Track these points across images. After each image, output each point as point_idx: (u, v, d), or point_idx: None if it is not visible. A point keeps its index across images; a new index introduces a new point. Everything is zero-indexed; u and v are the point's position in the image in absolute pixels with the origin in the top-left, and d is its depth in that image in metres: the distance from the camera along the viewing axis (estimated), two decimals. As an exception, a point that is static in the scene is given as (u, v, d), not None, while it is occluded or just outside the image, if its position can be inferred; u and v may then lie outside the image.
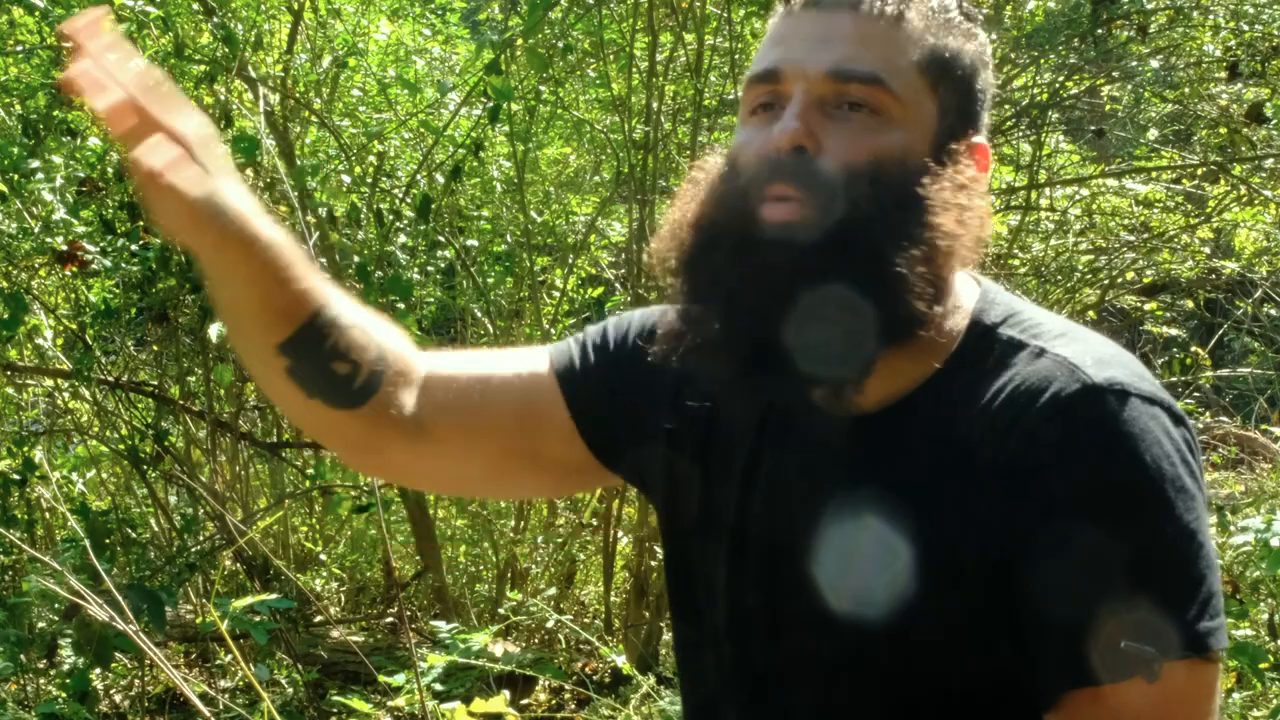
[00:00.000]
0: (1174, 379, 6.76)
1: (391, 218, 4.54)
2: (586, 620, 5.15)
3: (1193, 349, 7.01)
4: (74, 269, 3.99)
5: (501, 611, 4.71)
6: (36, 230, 3.89)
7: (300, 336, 1.31)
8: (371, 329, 1.37)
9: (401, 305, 3.91)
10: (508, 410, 1.43)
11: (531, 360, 1.46)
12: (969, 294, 1.30)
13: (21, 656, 3.78)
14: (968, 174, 1.26)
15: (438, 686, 3.26)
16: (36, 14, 4.32)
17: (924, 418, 1.24)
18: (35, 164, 3.92)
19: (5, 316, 3.92)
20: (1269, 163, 5.50)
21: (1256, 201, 5.72)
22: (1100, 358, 1.21)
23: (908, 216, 1.20)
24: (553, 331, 5.52)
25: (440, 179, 4.82)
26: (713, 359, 1.25)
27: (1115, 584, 1.15)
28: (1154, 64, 5.40)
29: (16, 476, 4.37)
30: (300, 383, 1.33)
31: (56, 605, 3.93)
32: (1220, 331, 8.00)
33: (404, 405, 1.38)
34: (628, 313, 1.48)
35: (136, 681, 4.56)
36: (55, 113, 4.43)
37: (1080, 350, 1.21)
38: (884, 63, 1.22)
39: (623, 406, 1.42)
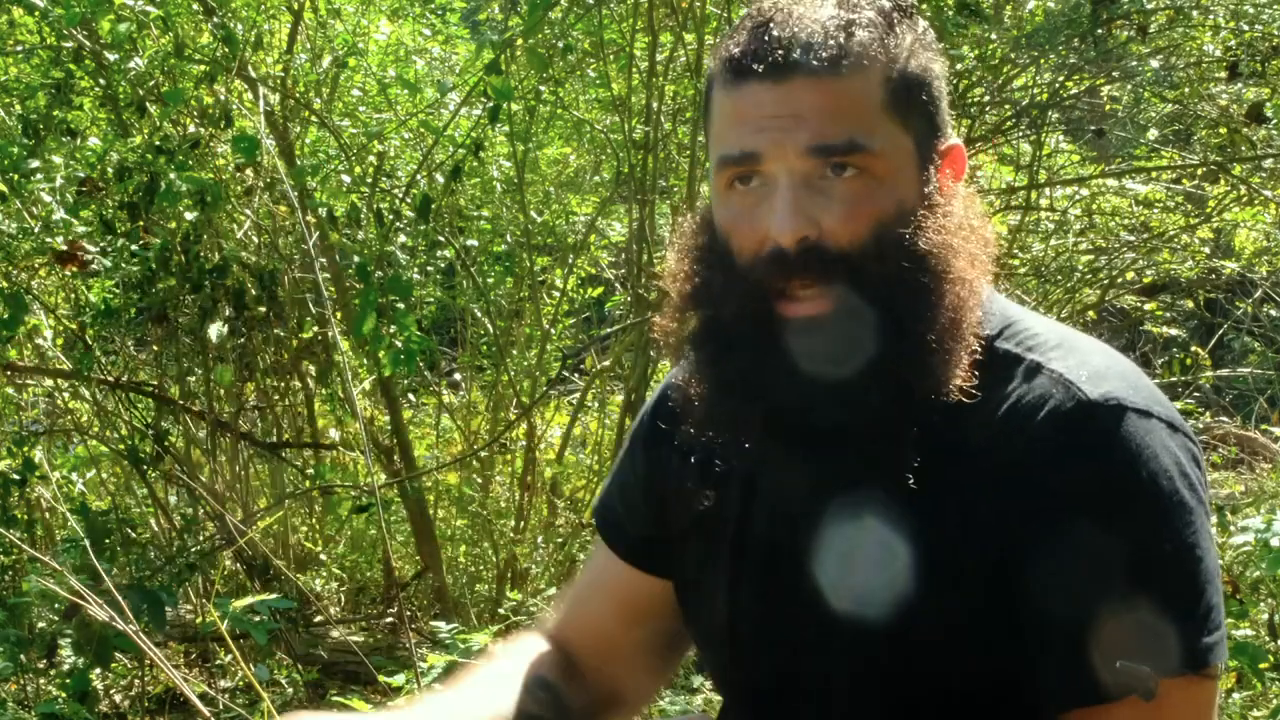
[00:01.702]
0: (1174, 379, 6.76)
1: (391, 218, 4.54)
2: (586, 620, 5.14)
3: (1193, 349, 7.01)
4: (74, 269, 3.98)
5: (501, 611, 4.71)
6: (36, 230, 3.89)
7: None
8: (563, 693, 1.42)
9: (401, 305, 3.91)
10: (629, 631, 1.48)
11: (604, 564, 1.51)
12: None
13: (21, 656, 3.78)
14: (958, 194, 1.25)
15: (437, 686, 3.26)
16: (36, 14, 4.32)
17: (925, 428, 1.24)
18: (35, 164, 3.92)
19: (5, 316, 3.92)
20: (1269, 163, 5.50)
21: (1256, 201, 5.71)
22: (1095, 371, 1.20)
23: (924, 279, 1.20)
24: (552, 331, 5.52)
25: (440, 179, 4.82)
26: (756, 445, 1.27)
27: (1111, 602, 1.15)
28: (1154, 64, 5.39)
29: (16, 476, 4.37)
30: None
31: (56, 605, 3.93)
32: (1220, 331, 8.00)
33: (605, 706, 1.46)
34: (632, 429, 1.51)
35: (136, 681, 4.56)
36: (55, 113, 4.43)
37: (1076, 364, 1.21)
38: (856, 122, 1.20)
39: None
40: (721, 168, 1.24)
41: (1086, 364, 1.21)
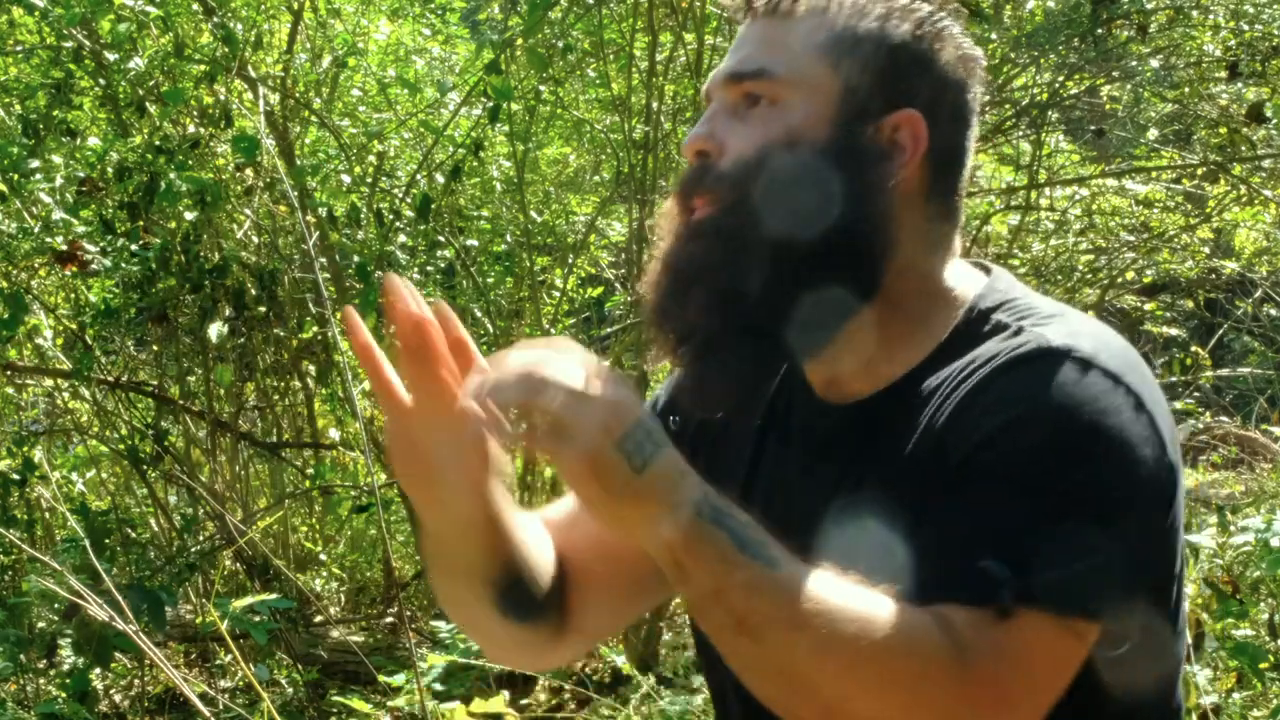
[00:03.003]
0: (1174, 379, 6.77)
1: (391, 218, 4.54)
2: (586, 620, 5.15)
3: (1193, 349, 7.01)
4: (74, 269, 3.98)
5: (501, 611, 4.70)
6: (36, 230, 3.89)
7: (511, 578, 1.33)
8: (543, 539, 1.40)
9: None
10: (603, 572, 1.45)
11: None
12: (972, 283, 1.30)
13: (21, 656, 3.78)
14: (883, 151, 1.26)
15: (438, 686, 3.27)
16: (36, 14, 4.32)
17: (908, 403, 1.24)
18: (35, 164, 3.92)
19: (5, 316, 3.92)
20: (1269, 163, 5.50)
21: (1256, 201, 5.71)
22: (1075, 332, 1.19)
23: (795, 197, 1.23)
24: (552, 331, 5.52)
25: (440, 179, 4.82)
26: (668, 352, 1.29)
27: (1013, 517, 1.12)
28: (1154, 64, 5.40)
29: (16, 476, 4.37)
30: (503, 611, 1.35)
31: (56, 605, 3.93)
32: (1220, 331, 8.00)
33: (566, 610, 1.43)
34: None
35: (136, 681, 4.56)
36: (55, 113, 4.43)
37: (1059, 328, 1.20)
38: (776, 54, 1.27)
39: None
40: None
41: (1071, 329, 1.20)
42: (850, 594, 1.11)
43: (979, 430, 1.16)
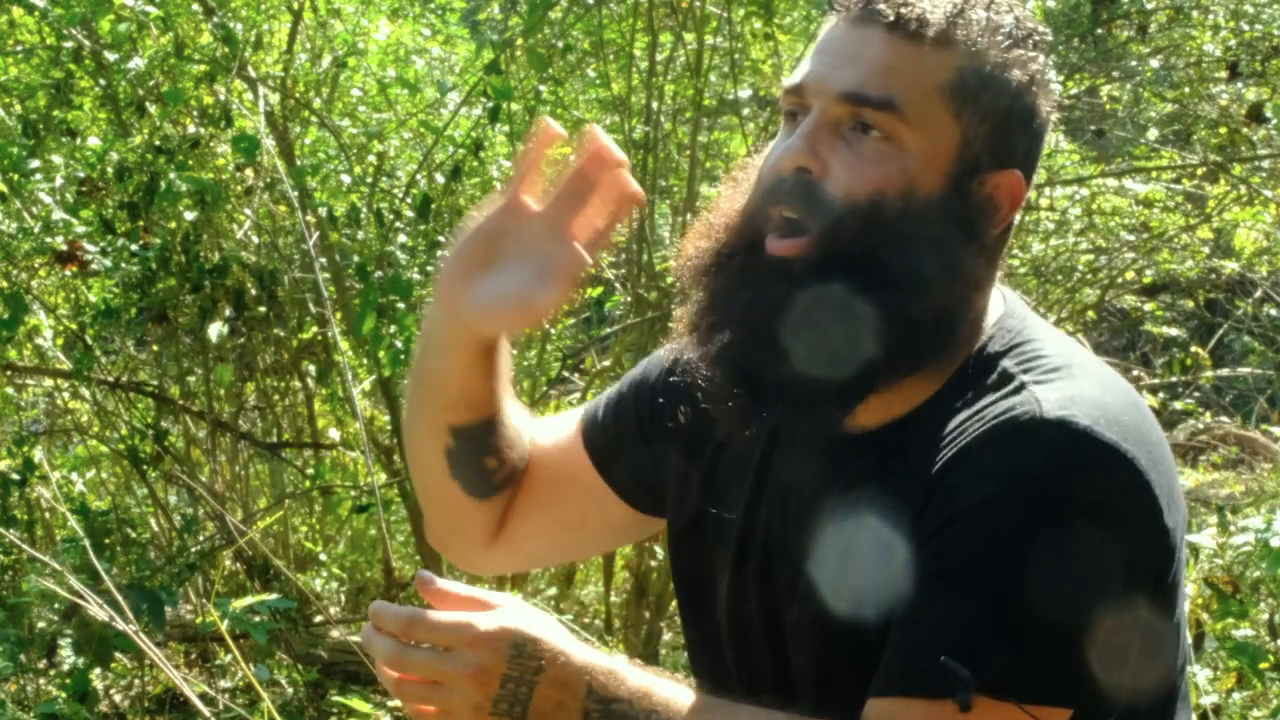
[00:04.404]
0: (1174, 379, 6.77)
1: (391, 218, 4.54)
2: (586, 620, 5.15)
3: (1193, 349, 7.01)
4: (74, 269, 3.98)
5: (501, 611, 4.71)
6: (36, 230, 3.89)
7: (473, 428, 1.36)
8: (522, 429, 1.43)
9: (401, 305, 3.90)
10: (552, 489, 1.47)
11: (567, 429, 1.49)
12: (990, 314, 1.27)
13: (21, 656, 3.78)
14: (982, 209, 1.22)
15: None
16: (36, 14, 4.32)
17: (913, 440, 1.23)
18: (35, 164, 3.92)
19: (5, 316, 3.92)
20: (1269, 163, 5.50)
21: (1256, 201, 5.71)
22: (1075, 397, 1.16)
23: (898, 260, 1.18)
24: (552, 331, 5.52)
25: (440, 179, 4.82)
26: (709, 378, 1.26)
27: (965, 598, 1.12)
28: (1154, 64, 5.40)
29: (16, 476, 4.37)
30: (451, 462, 1.39)
31: (56, 605, 3.93)
32: (1220, 331, 8.00)
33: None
34: (650, 357, 1.49)
35: (136, 681, 4.56)
36: (55, 113, 4.43)
37: (1060, 389, 1.17)
38: (904, 87, 1.18)
39: (653, 454, 1.43)
40: (782, 96, 1.25)
41: (1072, 393, 1.17)
42: None
43: (955, 501, 1.15)
